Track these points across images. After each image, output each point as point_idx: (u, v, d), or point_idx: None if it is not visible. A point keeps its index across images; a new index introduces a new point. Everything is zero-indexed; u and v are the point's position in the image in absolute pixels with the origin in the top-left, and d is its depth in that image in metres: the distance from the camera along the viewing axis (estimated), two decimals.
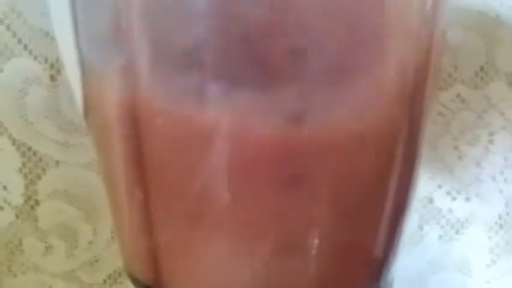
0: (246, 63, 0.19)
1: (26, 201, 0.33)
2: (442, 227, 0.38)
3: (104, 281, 0.35)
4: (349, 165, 0.21)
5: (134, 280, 0.24)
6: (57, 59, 0.31)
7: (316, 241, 0.22)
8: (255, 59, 0.19)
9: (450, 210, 0.38)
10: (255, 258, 0.21)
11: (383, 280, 0.24)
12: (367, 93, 0.20)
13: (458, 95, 0.36)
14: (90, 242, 0.34)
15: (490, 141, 0.36)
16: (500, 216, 0.38)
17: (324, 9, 0.19)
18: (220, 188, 0.21)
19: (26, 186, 0.33)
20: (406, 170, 0.23)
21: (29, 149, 0.33)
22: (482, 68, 0.35)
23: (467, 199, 0.37)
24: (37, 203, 0.34)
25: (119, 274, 0.35)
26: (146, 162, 0.21)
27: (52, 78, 0.32)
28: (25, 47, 0.31)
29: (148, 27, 0.20)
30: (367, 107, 0.21)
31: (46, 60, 0.32)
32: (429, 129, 0.35)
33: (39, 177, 0.33)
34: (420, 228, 0.38)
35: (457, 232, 0.38)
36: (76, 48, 0.22)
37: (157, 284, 0.23)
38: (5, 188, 0.33)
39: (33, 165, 0.33)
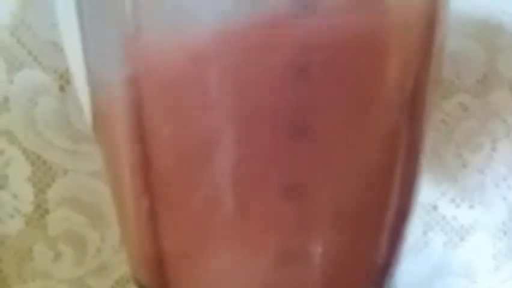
0: None
1: (35, 209, 0.34)
2: (446, 233, 0.38)
3: (112, 287, 0.35)
4: (350, 171, 0.21)
5: (141, 286, 0.24)
6: (67, 70, 0.31)
7: (318, 248, 0.22)
8: None
9: (454, 217, 0.38)
10: (259, 265, 0.22)
11: (385, 286, 0.24)
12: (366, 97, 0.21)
13: (461, 103, 0.36)
14: (98, 249, 0.35)
15: (493, 149, 0.36)
16: (503, 223, 0.38)
17: None
18: (224, 196, 0.21)
19: (36, 195, 0.33)
20: (408, 176, 0.23)
21: (39, 157, 0.33)
22: (484, 76, 0.35)
23: (471, 206, 0.37)
24: (46, 211, 0.34)
25: (127, 280, 0.35)
26: (152, 171, 0.21)
27: (61, 88, 0.32)
28: (35, 58, 0.32)
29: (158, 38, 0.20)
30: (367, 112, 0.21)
31: (55, 71, 0.32)
32: (433, 137, 0.35)
33: (48, 186, 0.33)
34: (425, 234, 0.38)
35: (461, 239, 0.38)
36: (84, 60, 0.23)
37: None
38: (15, 196, 0.33)
39: (42, 173, 0.33)
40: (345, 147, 0.21)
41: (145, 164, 0.21)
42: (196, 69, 0.20)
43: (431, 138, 0.35)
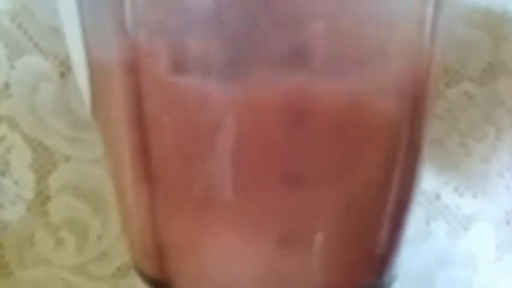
0: None
1: (37, 196, 0.34)
2: (449, 223, 0.38)
3: (114, 274, 0.36)
4: (351, 159, 0.21)
5: (142, 274, 0.24)
6: (68, 57, 0.31)
7: (319, 236, 0.22)
8: None
9: (457, 207, 0.38)
10: (260, 252, 0.22)
11: (385, 275, 0.24)
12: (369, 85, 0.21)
13: (466, 92, 0.35)
14: (99, 236, 0.35)
15: (498, 138, 0.36)
16: (507, 213, 0.38)
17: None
18: (224, 184, 0.21)
19: (37, 181, 0.34)
20: (409, 164, 0.23)
21: (40, 144, 0.33)
22: (489, 65, 0.35)
23: (475, 196, 0.37)
24: (48, 197, 0.34)
25: (128, 268, 0.35)
26: (152, 159, 0.21)
27: (62, 75, 0.32)
28: (36, 44, 0.32)
29: (156, 21, 0.20)
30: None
31: (56, 57, 0.32)
32: (437, 125, 0.35)
33: (50, 172, 0.34)
34: (428, 224, 0.38)
35: (464, 228, 0.38)
36: (84, 48, 0.23)
37: (164, 278, 0.23)
38: (16, 182, 0.34)
39: (44, 160, 0.33)
40: (345, 135, 0.21)
41: (144, 152, 0.21)
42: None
43: (435, 127, 0.35)
